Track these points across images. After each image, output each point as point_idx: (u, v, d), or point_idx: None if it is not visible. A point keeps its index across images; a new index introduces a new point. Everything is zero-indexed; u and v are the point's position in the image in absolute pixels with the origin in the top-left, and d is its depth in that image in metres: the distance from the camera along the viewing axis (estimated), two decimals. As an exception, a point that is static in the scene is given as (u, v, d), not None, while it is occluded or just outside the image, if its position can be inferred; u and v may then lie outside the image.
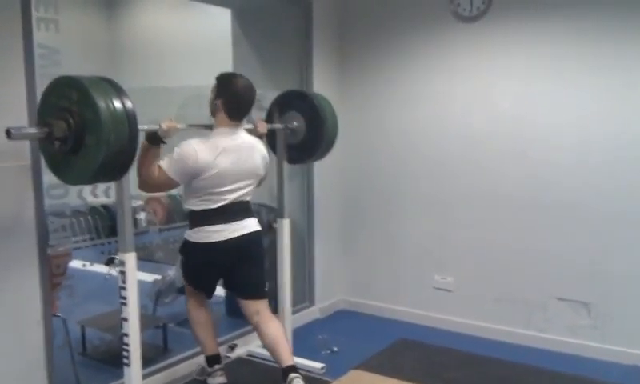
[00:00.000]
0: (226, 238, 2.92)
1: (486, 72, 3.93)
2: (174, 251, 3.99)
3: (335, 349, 3.78)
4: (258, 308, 3.09)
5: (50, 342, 2.76)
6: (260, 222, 4.10)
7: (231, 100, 2.90)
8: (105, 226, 5.35)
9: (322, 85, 4.18)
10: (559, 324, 3.78)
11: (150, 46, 7.72)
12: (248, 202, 3.05)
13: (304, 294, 4.41)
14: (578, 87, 3.63)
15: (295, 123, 3.40)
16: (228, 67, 4.73)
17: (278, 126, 3.39)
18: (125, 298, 2.56)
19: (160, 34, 7.65)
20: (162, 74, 7.27)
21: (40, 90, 2.69)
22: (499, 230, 3.96)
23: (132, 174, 2.55)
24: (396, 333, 4.05)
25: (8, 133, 2.17)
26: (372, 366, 3.44)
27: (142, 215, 4.73)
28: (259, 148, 3.06)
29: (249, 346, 3.68)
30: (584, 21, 3.56)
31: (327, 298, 4.56)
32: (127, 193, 2.56)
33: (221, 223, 2.90)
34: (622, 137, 3.52)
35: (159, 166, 2.76)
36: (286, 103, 3.45)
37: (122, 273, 2.56)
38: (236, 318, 4.06)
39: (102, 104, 2.16)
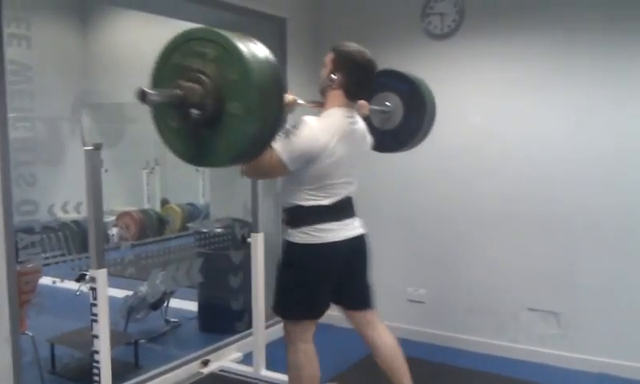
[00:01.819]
0: (342, 238, 2.52)
1: (457, 88, 3.98)
2: (147, 267, 3.97)
3: (309, 362, 3.77)
4: (370, 319, 2.75)
5: (18, 361, 2.71)
6: (233, 236, 4.15)
7: (355, 75, 2.48)
8: (76, 242, 5.29)
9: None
10: (530, 334, 3.84)
11: (126, 62, 7.71)
12: (352, 197, 2.63)
13: (278, 308, 4.39)
14: (548, 102, 3.71)
15: (388, 104, 2.99)
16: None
17: (375, 107, 2.99)
18: (95, 315, 2.53)
19: (135, 50, 7.64)
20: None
21: (11, 105, 2.69)
22: (471, 242, 4.02)
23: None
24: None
25: (143, 95, 1.70)
26: (345, 379, 3.45)
27: (113, 231, 4.71)
28: (368, 135, 2.67)
29: (221, 362, 3.66)
30: (555, 35, 3.65)
31: (301, 312, 4.55)
32: (99, 208, 2.54)
33: (333, 221, 2.49)
34: (590, 151, 3.60)
35: (272, 148, 2.29)
36: (380, 83, 2.99)
37: (93, 289, 2.53)
38: (209, 333, 4.06)
39: (251, 61, 1.73)
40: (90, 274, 2.53)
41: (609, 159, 3.55)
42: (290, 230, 2.52)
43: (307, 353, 2.56)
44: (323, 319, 4.58)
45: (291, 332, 2.58)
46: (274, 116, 1.81)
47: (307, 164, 2.37)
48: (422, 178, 4.17)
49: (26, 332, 2.98)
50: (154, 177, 7.65)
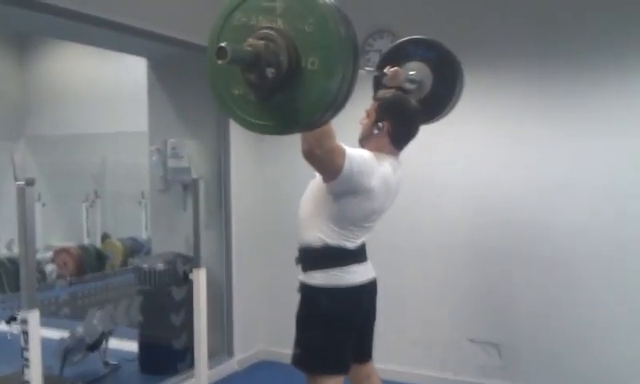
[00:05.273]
0: (366, 280, 2.47)
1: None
2: (84, 306, 3.84)
3: (253, 402, 3.72)
4: (370, 371, 2.72)
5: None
6: (175, 272, 4.07)
7: (403, 124, 2.45)
8: (11, 281, 5.06)
9: (239, 134, 4.20)
10: (472, 365, 3.89)
11: (66, 93, 7.56)
12: None
13: (222, 346, 4.32)
14: (467, 135, 3.83)
15: (412, 72, 2.74)
16: (144, 115, 4.70)
17: (408, 76, 2.77)
18: (27, 360, 2.42)
19: (76, 82, 7.51)
20: (79, 122, 7.10)
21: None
22: (412, 275, 4.06)
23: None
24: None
25: (224, 52, 1.49)
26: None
27: (49, 267, 4.52)
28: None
29: (163, 403, 3.56)
30: (487, 64, 3.78)
31: (247, 349, 4.48)
32: (31, 246, 2.46)
33: (354, 263, 2.43)
34: (517, 178, 3.74)
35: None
36: (403, 54, 2.82)
37: (25, 332, 2.43)
38: (150, 374, 3.93)
39: (326, 9, 1.59)
40: (20, 315, 2.43)
41: (543, 191, 3.69)
42: (309, 272, 2.42)
43: None
44: (272, 357, 4.49)
45: None
46: (351, 71, 1.64)
47: (347, 194, 2.28)
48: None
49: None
50: (95, 210, 7.45)
